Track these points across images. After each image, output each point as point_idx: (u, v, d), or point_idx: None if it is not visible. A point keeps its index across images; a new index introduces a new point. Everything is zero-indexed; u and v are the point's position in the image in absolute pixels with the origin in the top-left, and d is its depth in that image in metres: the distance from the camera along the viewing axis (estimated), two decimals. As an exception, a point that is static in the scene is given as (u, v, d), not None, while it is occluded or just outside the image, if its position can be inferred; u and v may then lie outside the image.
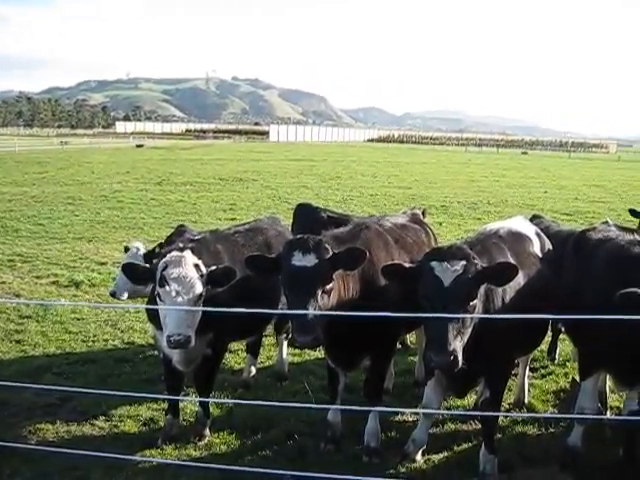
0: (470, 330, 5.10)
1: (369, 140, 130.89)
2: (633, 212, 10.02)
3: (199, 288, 5.82)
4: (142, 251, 8.40)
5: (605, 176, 50.86)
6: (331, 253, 5.52)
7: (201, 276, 5.88)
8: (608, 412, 7.45)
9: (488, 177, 43.89)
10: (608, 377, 7.00)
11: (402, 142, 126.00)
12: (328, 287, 5.45)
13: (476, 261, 5.10)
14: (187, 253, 5.92)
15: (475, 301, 5.05)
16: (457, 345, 4.91)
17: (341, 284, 5.76)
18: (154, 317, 6.24)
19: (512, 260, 6.00)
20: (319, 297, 5.36)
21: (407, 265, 5.42)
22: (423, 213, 9.96)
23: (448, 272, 4.99)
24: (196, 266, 5.89)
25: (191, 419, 7.11)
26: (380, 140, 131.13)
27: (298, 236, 5.92)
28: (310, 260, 5.40)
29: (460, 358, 4.96)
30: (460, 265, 5.00)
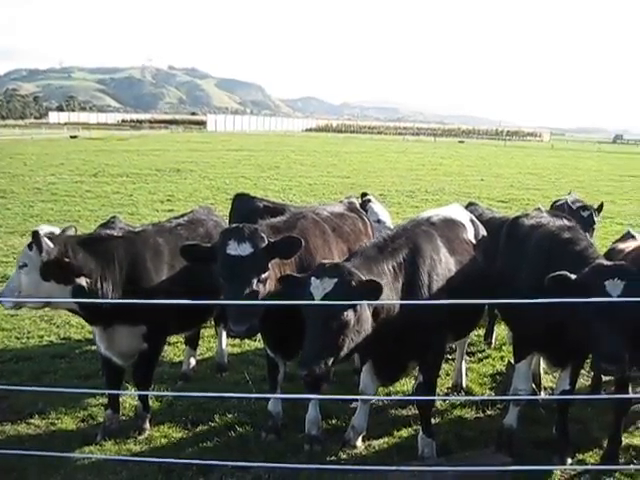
0: (354, 338, 5.13)
1: (307, 130, 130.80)
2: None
3: None
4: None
5: (539, 164, 51.91)
6: (267, 242, 5.53)
7: None
8: (542, 392, 7.65)
9: (426, 166, 44.36)
10: (542, 359, 7.18)
11: (340, 132, 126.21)
12: (264, 276, 5.47)
13: (351, 277, 5.08)
14: None
15: (347, 316, 5.01)
16: (325, 354, 4.98)
17: (278, 272, 5.78)
18: None
19: (443, 246, 6.15)
20: (255, 286, 5.38)
21: (298, 276, 5.44)
22: (364, 195, 10.12)
23: (319, 289, 5.03)
24: None
25: (131, 414, 7.03)
26: (318, 130, 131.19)
27: (233, 225, 5.92)
28: (245, 249, 5.41)
29: (327, 367, 5.02)
30: (331, 283, 5.02)
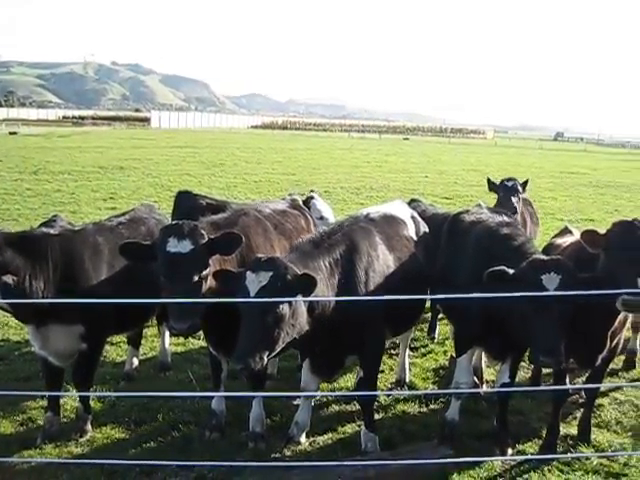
0: (288, 333, 5.17)
1: (253, 127, 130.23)
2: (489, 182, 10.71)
3: None
4: None
5: (482, 161, 52.70)
6: (207, 238, 5.53)
7: None
8: (484, 386, 7.79)
9: (371, 163, 44.63)
10: (483, 353, 7.32)
11: (286, 128, 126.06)
12: (204, 273, 5.46)
13: (286, 271, 5.11)
14: None
15: (282, 310, 5.03)
16: (260, 350, 5.00)
17: (218, 268, 5.76)
18: None
19: (381, 242, 6.21)
20: (195, 283, 5.37)
21: (234, 271, 5.46)
22: (307, 195, 10.22)
23: (254, 283, 5.05)
24: None
25: (72, 416, 6.92)
26: (264, 127, 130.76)
27: (173, 222, 5.90)
28: (185, 246, 5.40)
29: (262, 363, 5.03)
30: (266, 277, 5.06)
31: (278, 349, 5.19)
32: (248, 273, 5.10)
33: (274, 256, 5.42)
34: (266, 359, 5.08)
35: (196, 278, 5.39)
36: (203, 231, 5.58)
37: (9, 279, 5.75)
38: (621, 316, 5.94)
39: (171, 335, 6.63)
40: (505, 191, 10.03)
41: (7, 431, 6.68)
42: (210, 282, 5.58)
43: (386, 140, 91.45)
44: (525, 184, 10.52)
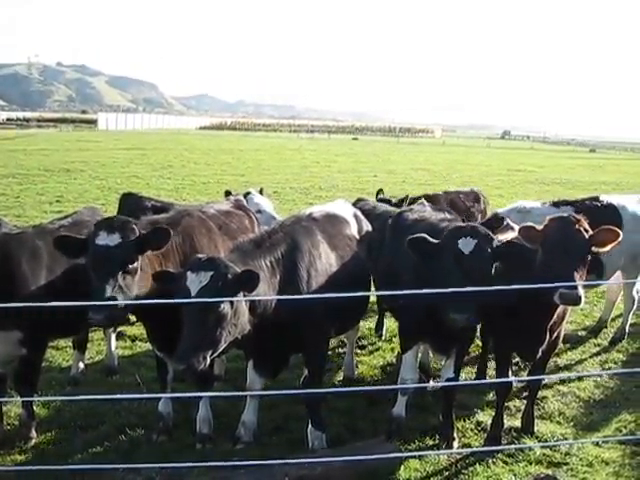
0: (231, 332, 5.22)
1: (202, 128, 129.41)
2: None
3: None
4: None
5: (431, 160, 53.29)
6: (137, 234, 5.54)
7: None
8: (431, 381, 7.90)
9: (320, 163, 44.76)
10: (428, 348, 7.42)
11: (235, 129, 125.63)
12: (131, 267, 5.44)
13: (226, 270, 5.17)
14: None
15: (223, 309, 5.07)
16: (202, 351, 5.01)
17: (158, 268, 5.79)
18: None
19: (324, 241, 6.31)
20: (120, 277, 5.35)
21: (173, 272, 5.46)
22: (261, 192, 10.34)
23: (195, 283, 5.09)
24: None
25: (16, 422, 6.81)
26: (213, 127, 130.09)
27: (107, 217, 5.88)
28: (113, 239, 5.42)
29: (203, 363, 5.03)
30: (207, 276, 5.09)
31: (221, 349, 5.21)
32: (188, 273, 5.11)
33: (214, 256, 5.43)
34: (209, 359, 5.09)
35: (120, 271, 5.37)
36: (135, 226, 5.60)
37: None
38: (560, 309, 6.09)
39: (91, 326, 6.56)
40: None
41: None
42: (148, 282, 5.59)
43: (335, 140, 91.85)
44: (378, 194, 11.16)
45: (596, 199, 9.51)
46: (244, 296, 5.23)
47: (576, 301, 5.42)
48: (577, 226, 5.67)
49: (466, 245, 5.62)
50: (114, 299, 5.27)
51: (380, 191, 11.53)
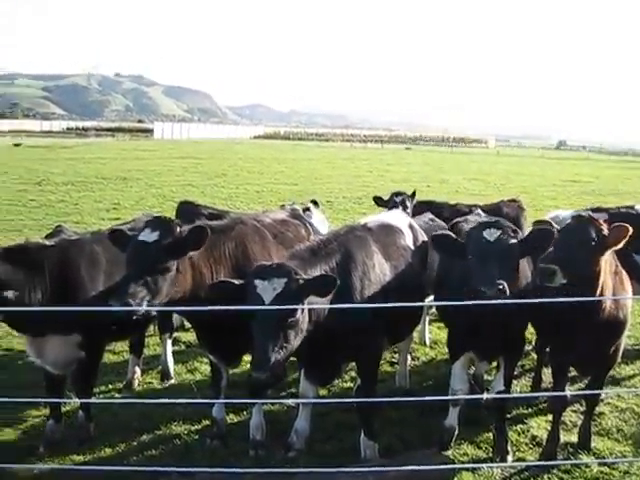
0: (298, 340, 5.23)
1: (255, 137, 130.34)
2: (376, 199, 11.19)
3: None
4: None
5: (484, 170, 52.72)
6: (177, 234, 5.65)
7: None
8: (485, 393, 7.81)
9: (373, 172, 44.64)
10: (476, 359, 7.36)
11: (288, 139, 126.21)
12: (163, 265, 5.50)
13: (297, 276, 5.22)
14: None
15: (297, 316, 5.11)
16: (278, 359, 5.01)
17: (207, 273, 5.89)
18: None
19: (378, 252, 6.28)
20: (148, 277, 5.40)
21: (235, 282, 5.47)
22: (315, 203, 10.40)
23: (268, 290, 5.11)
24: None
25: (74, 423, 6.97)
26: (266, 137, 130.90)
27: (155, 216, 6.06)
28: (151, 237, 5.53)
29: (281, 371, 5.13)
30: (280, 283, 5.12)
31: (290, 355, 5.24)
32: (257, 281, 5.13)
33: (281, 262, 5.45)
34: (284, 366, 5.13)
35: (153, 269, 5.44)
36: (176, 228, 5.71)
37: (10, 294, 5.83)
38: (617, 323, 6.01)
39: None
40: (394, 206, 10.34)
41: (10, 439, 6.76)
42: (187, 285, 5.72)
43: (388, 149, 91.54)
44: (413, 196, 10.99)
45: (631, 207, 9.46)
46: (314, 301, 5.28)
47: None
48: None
49: (491, 235, 5.80)
50: (136, 293, 5.31)
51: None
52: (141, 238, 5.55)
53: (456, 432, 6.64)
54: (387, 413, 7.32)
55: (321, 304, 5.38)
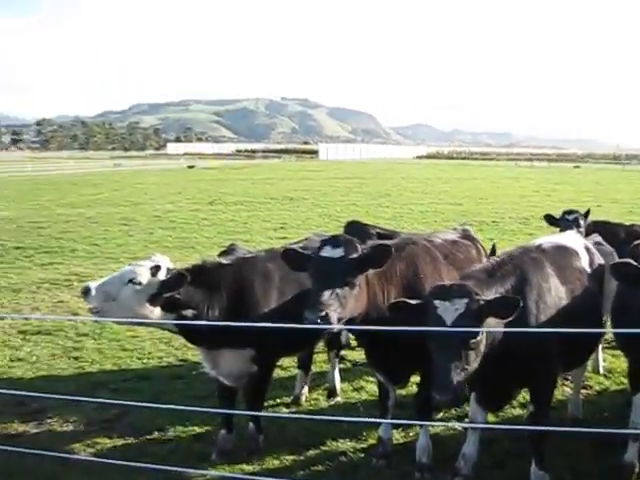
0: (477, 362, 5.10)
1: (418, 157, 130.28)
2: (548, 218, 10.67)
3: None
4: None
5: (663, 188, 49.77)
6: (360, 251, 5.64)
7: None
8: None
9: (539, 192, 43.30)
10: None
11: (451, 158, 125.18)
12: (350, 281, 5.51)
13: (478, 297, 5.10)
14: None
15: (478, 337, 5.00)
16: (460, 381, 4.92)
17: (380, 292, 5.89)
18: None
19: (553, 274, 6.03)
20: (339, 290, 5.41)
21: (412, 302, 5.36)
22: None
23: (450, 311, 5.00)
24: None
25: (244, 435, 7.20)
26: (429, 157, 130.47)
27: (332, 235, 6.10)
28: (337, 253, 5.55)
29: (462, 394, 5.01)
30: (462, 304, 5.00)
31: (469, 377, 5.14)
32: (438, 302, 5.07)
33: (461, 282, 5.38)
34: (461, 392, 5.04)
35: (342, 283, 5.45)
36: (358, 246, 5.71)
37: (189, 312, 6.17)
38: None
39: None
40: (566, 225, 9.72)
41: (185, 445, 7.07)
42: (364, 303, 5.71)
43: (555, 169, 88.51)
44: (587, 215, 10.18)
45: None
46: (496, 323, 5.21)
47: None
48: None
49: None
50: (329, 304, 5.33)
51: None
52: (325, 254, 5.59)
53: (637, 470, 6.24)
54: (559, 444, 7.02)
55: (496, 327, 5.26)
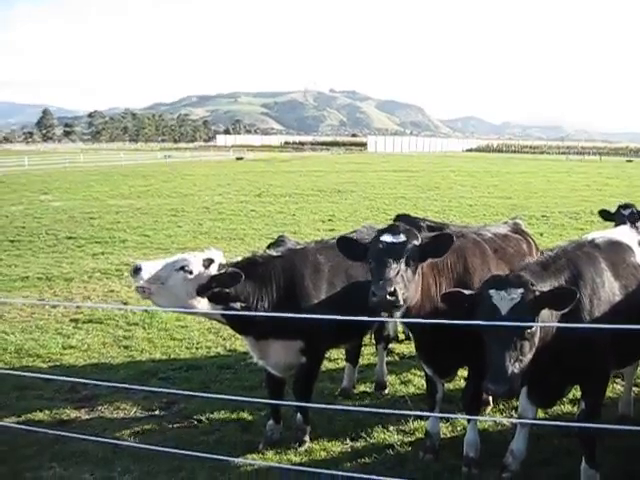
0: (532, 354, 5.03)
1: (467, 150, 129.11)
2: (603, 213, 10.34)
3: None
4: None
5: None
6: (420, 240, 5.62)
7: None
8: None
9: (590, 186, 42.63)
10: None
11: (501, 152, 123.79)
12: (411, 268, 5.48)
13: (534, 287, 5.04)
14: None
15: (534, 327, 4.94)
16: (515, 372, 4.87)
17: (432, 283, 5.86)
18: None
19: (607, 269, 5.93)
20: (403, 272, 5.39)
21: (466, 292, 5.33)
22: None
23: (505, 300, 4.95)
24: None
25: (292, 425, 7.24)
26: (479, 150, 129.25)
27: (391, 224, 6.06)
28: (399, 238, 5.51)
29: (518, 384, 4.96)
30: (517, 293, 4.95)
31: (524, 369, 5.07)
32: (493, 291, 5.02)
33: (518, 273, 5.33)
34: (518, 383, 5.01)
35: (403, 266, 5.41)
36: (418, 234, 5.69)
37: (237, 305, 6.22)
38: None
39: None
40: (621, 220, 9.32)
41: (233, 434, 7.11)
42: (417, 293, 5.66)
43: (607, 162, 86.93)
44: None
45: None
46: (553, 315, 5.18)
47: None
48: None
49: None
50: (397, 281, 5.30)
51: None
52: (387, 239, 5.54)
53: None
54: (609, 442, 6.92)
55: (550, 321, 5.21)
